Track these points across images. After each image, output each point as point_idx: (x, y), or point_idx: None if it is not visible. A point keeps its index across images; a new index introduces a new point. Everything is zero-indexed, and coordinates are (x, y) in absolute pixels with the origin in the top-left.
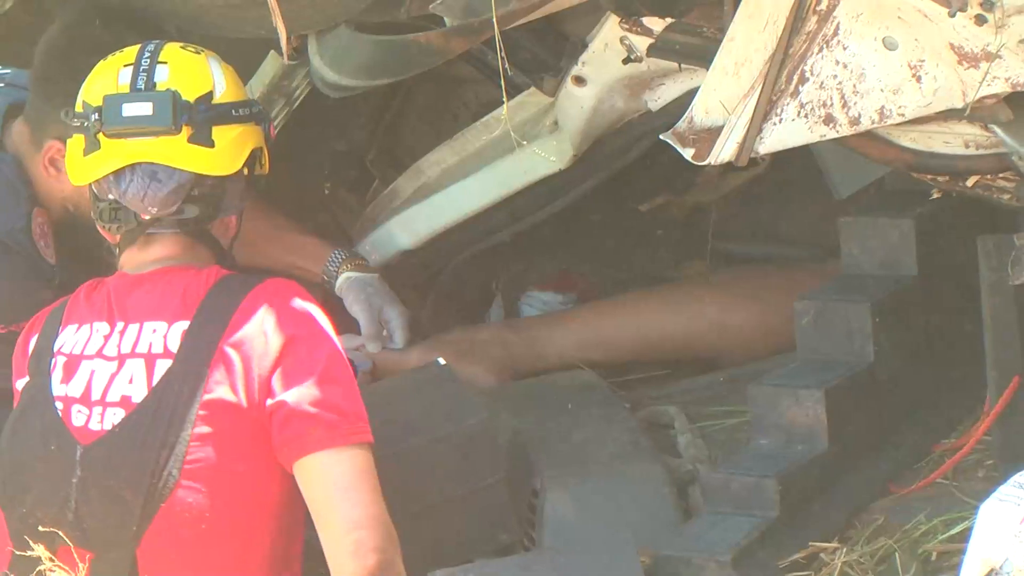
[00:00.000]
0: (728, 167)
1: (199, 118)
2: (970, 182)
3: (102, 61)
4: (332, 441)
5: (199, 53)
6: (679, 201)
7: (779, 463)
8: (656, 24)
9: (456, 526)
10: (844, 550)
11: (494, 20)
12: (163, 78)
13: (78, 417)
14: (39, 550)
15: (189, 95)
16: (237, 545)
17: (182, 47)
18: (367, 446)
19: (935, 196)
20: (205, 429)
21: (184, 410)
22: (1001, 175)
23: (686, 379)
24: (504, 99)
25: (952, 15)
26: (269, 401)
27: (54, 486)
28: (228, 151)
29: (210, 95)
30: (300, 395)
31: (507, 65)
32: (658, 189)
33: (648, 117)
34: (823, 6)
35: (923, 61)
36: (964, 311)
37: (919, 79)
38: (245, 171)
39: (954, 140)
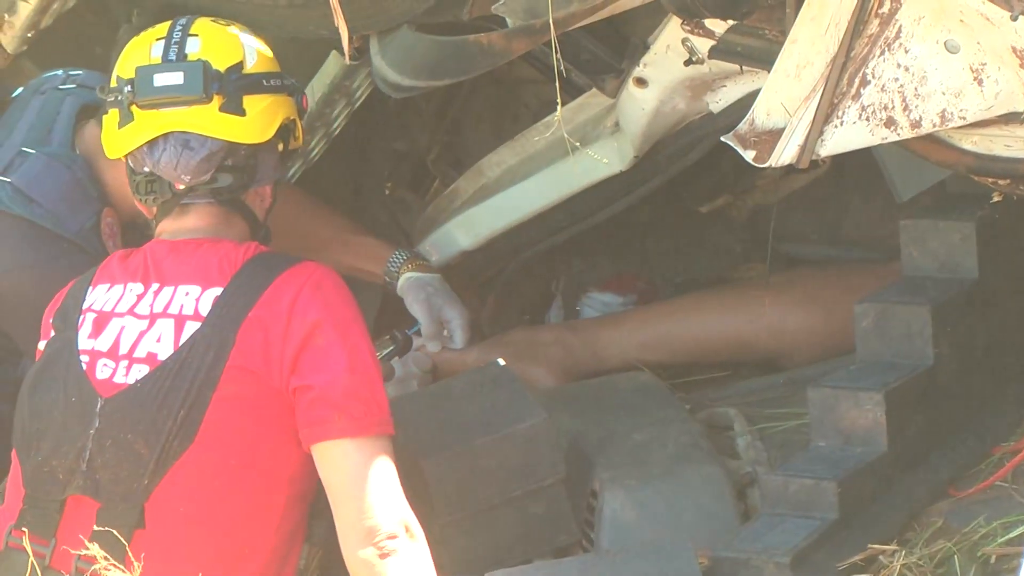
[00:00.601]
0: (789, 169)
1: (230, 87)
2: None
3: (135, 37)
4: (355, 431)
5: (229, 26)
6: (739, 203)
7: (838, 465)
8: (718, 26)
9: (515, 527)
10: (903, 552)
11: (550, 22)
12: (194, 49)
13: (103, 371)
14: (94, 550)
15: (220, 65)
16: (247, 509)
17: (213, 21)
18: (387, 438)
19: (996, 199)
20: (226, 393)
21: (207, 373)
22: None
23: (745, 381)
24: (558, 102)
25: (1014, 19)
26: (295, 380)
27: (72, 436)
28: (259, 120)
29: (240, 65)
30: (327, 380)
31: (567, 66)
32: (719, 191)
33: (709, 119)
34: (885, 9)
35: (985, 64)
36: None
37: (981, 82)
38: (279, 144)
39: (1015, 143)
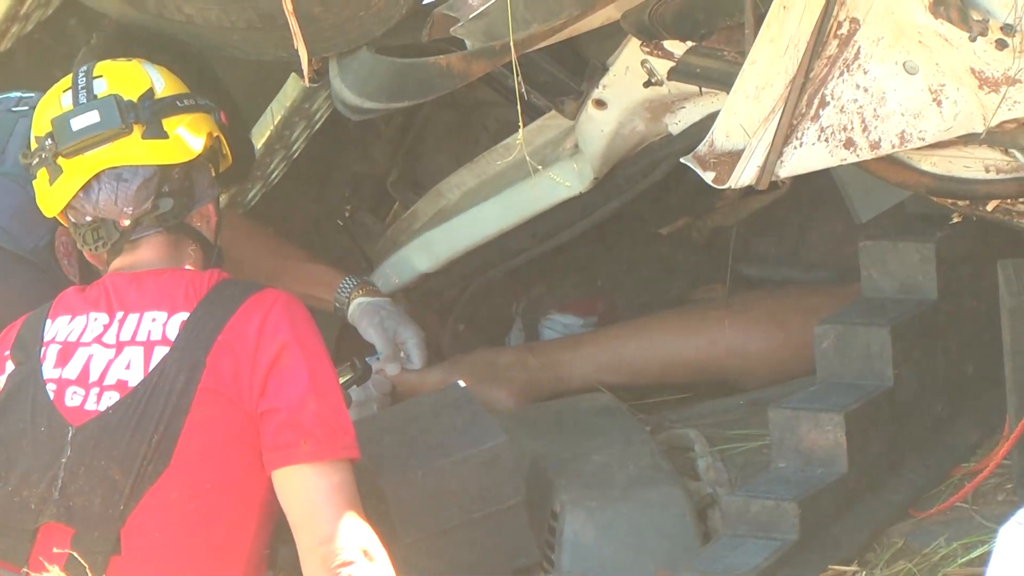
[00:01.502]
0: (748, 190)
1: (146, 114)
2: (990, 206)
3: (44, 95)
4: (318, 455)
5: (130, 60)
6: (699, 224)
7: (799, 486)
8: (677, 47)
9: (475, 548)
10: (863, 573)
11: (511, 43)
12: (102, 88)
13: (73, 398)
14: (54, 572)
15: (131, 95)
16: (222, 532)
17: (112, 60)
18: (349, 462)
19: (955, 220)
20: (199, 417)
21: (179, 397)
22: (1021, 199)
23: (706, 402)
24: (520, 124)
25: (973, 39)
26: (263, 403)
27: (42, 464)
28: (184, 138)
29: (151, 91)
30: (293, 404)
31: (527, 88)
32: (678, 212)
33: (669, 140)
34: (844, 30)
35: (944, 85)
36: (984, 335)
37: (940, 103)
38: (211, 168)
39: (974, 164)
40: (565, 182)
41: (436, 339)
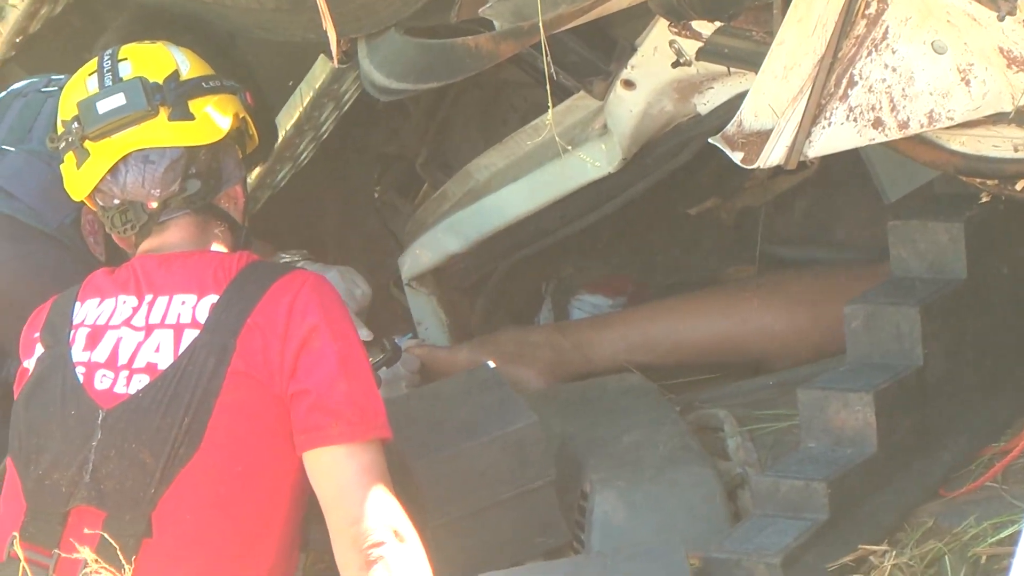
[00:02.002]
0: (777, 170)
1: (172, 96)
2: (1019, 186)
3: (70, 79)
4: (348, 436)
5: (155, 42)
6: (728, 204)
7: (828, 466)
8: (705, 28)
9: (505, 529)
10: (893, 553)
11: (540, 24)
12: (127, 71)
13: (102, 381)
14: (84, 552)
15: (157, 77)
16: (253, 515)
17: (138, 42)
18: (380, 442)
19: (984, 200)
20: (229, 399)
21: (209, 379)
22: None
23: (735, 382)
24: (550, 104)
25: (1001, 19)
26: (293, 385)
27: (73, 448)
28: (211, 119)
29: (176, 74)
30: (324, 385)
31: (556, 69)
32: (707, 192)
33: (697, 121)
34: (872, 10)
35: (972, 65)
36: (1013, 314)
37: (968, 83)
38: (237, 150)
39: (1003, 144)
40: (594, 162)
41: (465, 319)
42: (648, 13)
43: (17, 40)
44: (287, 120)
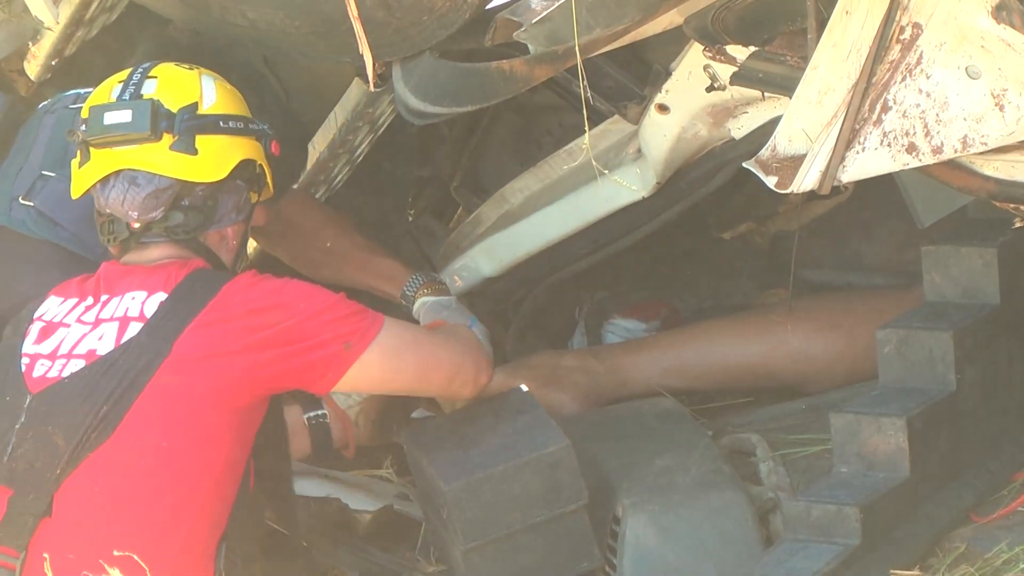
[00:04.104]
0: (811, 195)
1: (181, 126)
2: None
3: (104, 81)
4: (362, 344)
5: (192, 69)
6: (762, 229)
7: (860, 491)
8: (739, 52)
9: (537, 553)
10: None
11: (576, 48)
12: (150, 90)
13: (39, 370)
14: None
15: (172, 105)
16: (157, 513)
17: (176, 65)
18: (382, 326)
19: (1018, 225)
20: (151, 398)
21: (137, 374)
22: None
23: (768, 407)
24: (586, 127)
25: None
26: (278, 351)
27: (3, 431)
28: (212, 159)
29: (195, 106)
30: (310, 331)
31: (590, 93)
32: (741, 217)
33: (731, 145)
34: (907, 35)
35: (1006, 90)
36: None
37: (1002, 108)
38: (243, 187)
39: None
40: (629, 187)
41: (499, 343)
42: (683, 38)
43: (53, 63)
44: (322, 143)
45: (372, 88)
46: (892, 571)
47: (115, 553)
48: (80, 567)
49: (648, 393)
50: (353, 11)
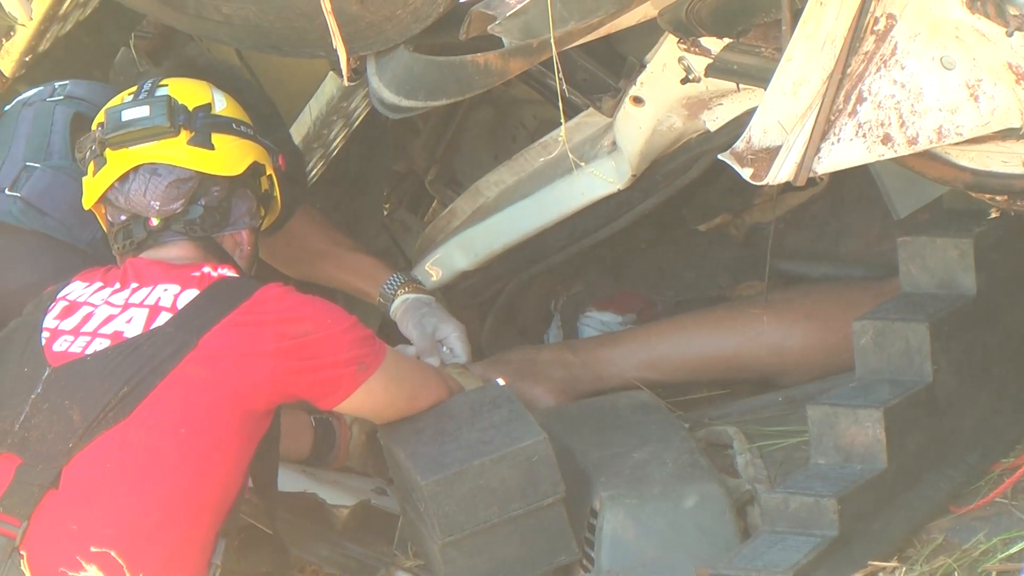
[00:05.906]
0: (786, 187)
1: (197, 123)
2: None
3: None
4: (372, 368)
5: (200, 81)
6: (737, 221)
7: (838, 483)
8: (714, 44)
9: (515, 546)
10: (903, 569)
11: (552, 41)
12: (163, 93)
13: (60, 345)
14: None
15: (188, 103)
16: (163, 496)
17: (184, 78)
18: (387, 353)
19: (993, 215)
20: (177, 384)
21: (163, 360)
22: None
23: (744, 399)
24: (562, 120)
25: (1010, 35)
26: (292, 363)
27: (16, 401)
28: (229, 154)
29: (209, 106)
30: (327, 348)
31: (565, 86)
32: (716, 209)
33: (706, 137)
34: (881, 26)
35: (981, 80)
36: (1023, 330)
37: (977, 98)
38: (254, 193)
39: (1012, 159)
40: (604, 179)
41: (475, 337)
42: (657, 30)
43: (27, 59)
44: (296, 137)
45: (346, 82)
46: (870, 562)
47: (115, 531)
48: (81, 541)
49: (625, 386)
50: (327, 5)
